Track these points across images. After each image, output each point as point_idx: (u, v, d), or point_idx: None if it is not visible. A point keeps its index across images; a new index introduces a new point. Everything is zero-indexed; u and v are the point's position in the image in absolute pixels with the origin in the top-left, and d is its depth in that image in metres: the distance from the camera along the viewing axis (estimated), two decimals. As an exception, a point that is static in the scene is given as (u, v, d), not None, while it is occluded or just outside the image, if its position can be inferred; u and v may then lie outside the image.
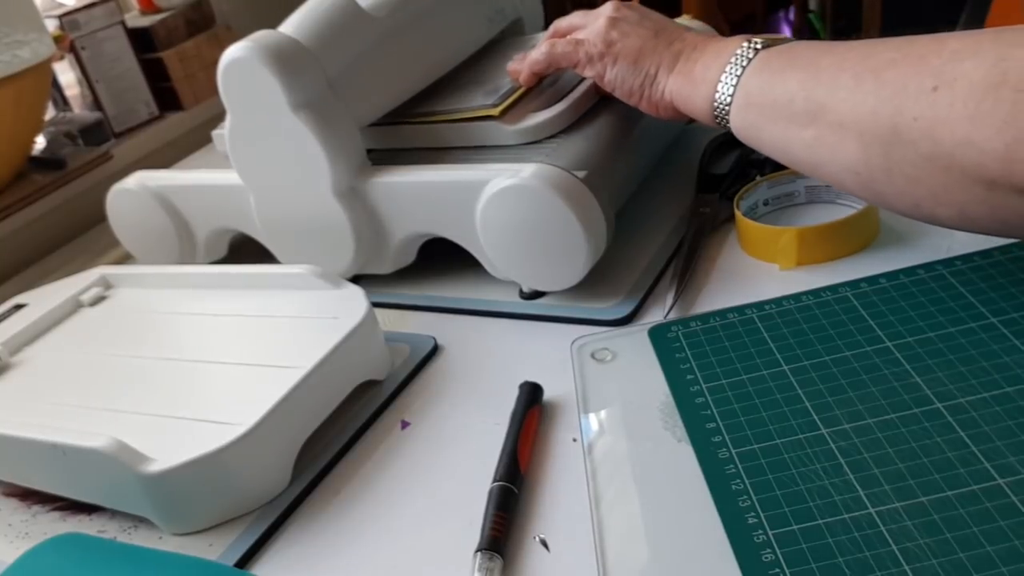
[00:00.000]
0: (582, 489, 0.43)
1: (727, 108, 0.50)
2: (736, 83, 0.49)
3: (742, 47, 0.50)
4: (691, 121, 0.55)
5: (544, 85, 0.63)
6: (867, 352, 0.46)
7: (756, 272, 0.56)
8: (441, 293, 0.63)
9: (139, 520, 0.48)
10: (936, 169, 0.40)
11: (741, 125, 0.50)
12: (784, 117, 0.47)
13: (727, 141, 0.68)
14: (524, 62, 0.62)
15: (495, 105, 0.60)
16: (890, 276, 0.51)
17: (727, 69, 0.50)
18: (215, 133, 0.76)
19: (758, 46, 0.49)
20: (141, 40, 1.05)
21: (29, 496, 0.52)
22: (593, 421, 0.47)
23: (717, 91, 0.50)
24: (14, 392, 0.57)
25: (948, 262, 0.51)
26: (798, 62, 0.47)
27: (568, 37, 0.59)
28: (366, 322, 0.53)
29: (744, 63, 0.49)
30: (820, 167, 0.46)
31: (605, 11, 0.58)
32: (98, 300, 0.67)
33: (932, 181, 0.41)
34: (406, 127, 0.64)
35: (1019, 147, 0.36)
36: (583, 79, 0.62)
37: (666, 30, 0.56)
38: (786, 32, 2.29)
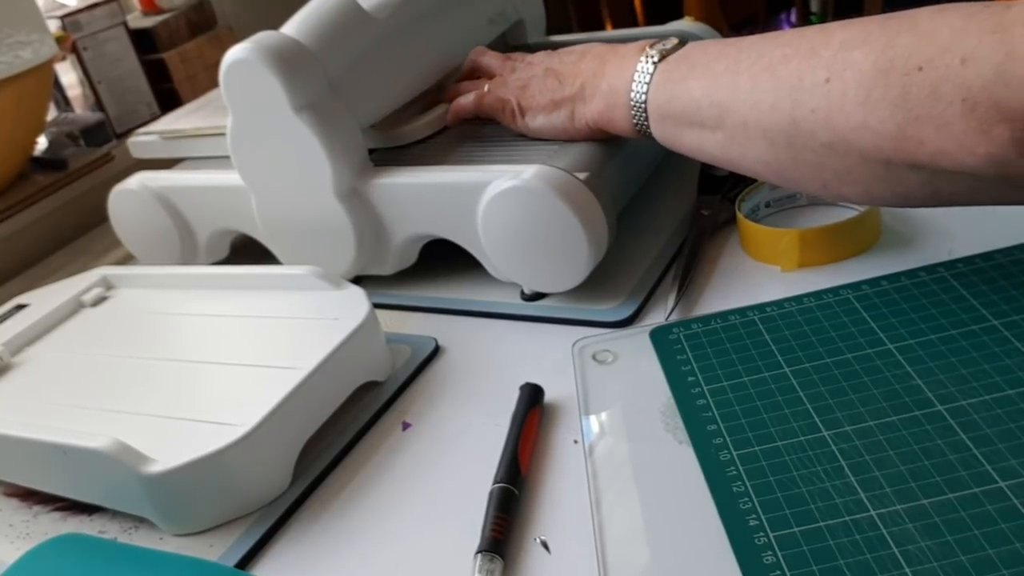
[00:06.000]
0: (583, 491, 0.43)
1: (646, 124, 0.53)
2: (645, 100, 0.52)
3: (640, 62, 0.52)
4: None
5: (427, 92, 0.68)
6: (868, 354, 0.46)
7: (757, 274, 0.56)
8: (442, 294, 0.63)
9: (140, 521, 0.48)
10: (836, 154, 0.43)
11: (661, 136, 0.53)
12: (695, 123, 0.49)
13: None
14: (452, 106, 0.65)
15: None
16: (891, 278, 0.51)
17: (633, 87, 0.52)
18: (131, 141, 0.76)
19: (655, 59, 0.52)
20: (143, 41, 1.05)
21: (30, 496, 0.52)
22: (594, 423, 0.47)
23: (631, 111, 0.53)
24: (15, 392, 0.57)
25: (949, 264, 0.51)
26: (696, 70, 0.49)
27: (493, 93, 0.62)
28: (367, 323, 0.53)
29: (647, 79, 0.52)
30: (735, 163, 0.49)
31: (515, 76, 0.62)
32: (99, 301, 0.67)
33: (835, 164, 0.43)
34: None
35: (909, 126, 0.39)
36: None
37: (566, 71, 0.59)
38: (787, 34, 2.29)
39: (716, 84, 0.47)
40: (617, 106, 0.54)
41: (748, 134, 0.46)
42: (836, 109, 0.41)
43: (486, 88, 0.64)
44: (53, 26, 0.96)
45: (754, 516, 0.38)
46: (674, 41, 0.52)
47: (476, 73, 0.68)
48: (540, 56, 0.62)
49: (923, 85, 0.38)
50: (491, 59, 0.67)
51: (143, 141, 0.76)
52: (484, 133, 0.65)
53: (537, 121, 0.59)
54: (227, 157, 0.63)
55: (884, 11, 0.41)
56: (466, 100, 0.64)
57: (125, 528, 0.48)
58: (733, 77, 0.47)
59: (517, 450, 0.45)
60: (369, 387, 0.54)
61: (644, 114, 0.52)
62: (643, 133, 0.54)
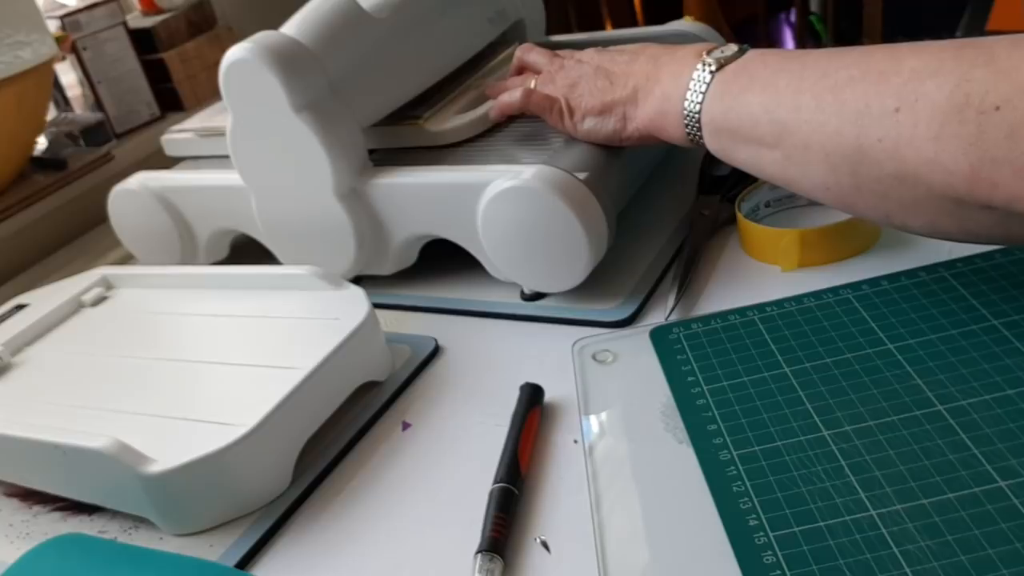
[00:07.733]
0: (583, 491, 0.43)
1: (700, 135, 0.51)
2: (699, 111, 0.50)
3: (697, 70, 0.50)
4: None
5: (470, 86, 0.69)
6: (868, 354, 0.46)
7: (757, 274, 0.56)
8: (442, 294, 0.63)
9: (140, 521, 0.48)
10: (903, 186, 0.41)
11: (715, 148, 0.51)
12: (752, 140, 0.47)
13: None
14: (497, 102, 0.63)
15: (420, 116, 0.65)
16: (891, 278, 0.51)
17: (687, 96, 0.50)
18: (165, 139, 0.76)
19: (712, 68, 0.50)
20: (143, 41, 1.05)
21: (30, 496, 0.52)
22: (594, 423, 0.47)
23: (685, 120, 0.51)
24: (15, 392, 0.57)
25: (949, 264, 0.51)
26: (756, 84, 0.47)
27: (540, 91, 0.60)
28: (367, 323, 0.53)
29: (703, 88, 0.50)
30: (792, 183, 0.47)
31: (563, 74, 0.60)
32: (99, 300, 0.67)
33: (901, 196, 0.41)
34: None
35: (984, 167, 0.37)
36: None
37: (617, 71, 0.57)
38: (787, 34, 2.29)
39: (777, 101, 0.45)
40: (670, 113, 0.52)
41: (808, 156, 0.44)
42: (905, 141, 0.39)
43: (533, 84, 0.61)
44: (53, 26, 0.96)
45: (754, 516, 0.38)
46: (733, 48, 0.50)
47: (524, 71, 0.66)
48: (590, 54, 0.60)
49: (1000, 126, 0.36)
50: (538, 56, 0.64)
51: (178, 139, 0.76)
52: (485, 132, 0.64)
53: (586, 124, 0.57)
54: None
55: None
56: (512, 97, 0.62)
57: (125, 528, 0.48)
58: (795, 95, 0.44)
59: (517, 450, 0.45)
60: (369, 387, 0.54)
61: (697, 125, 0.50)
62: (696, 143, 0.52)
